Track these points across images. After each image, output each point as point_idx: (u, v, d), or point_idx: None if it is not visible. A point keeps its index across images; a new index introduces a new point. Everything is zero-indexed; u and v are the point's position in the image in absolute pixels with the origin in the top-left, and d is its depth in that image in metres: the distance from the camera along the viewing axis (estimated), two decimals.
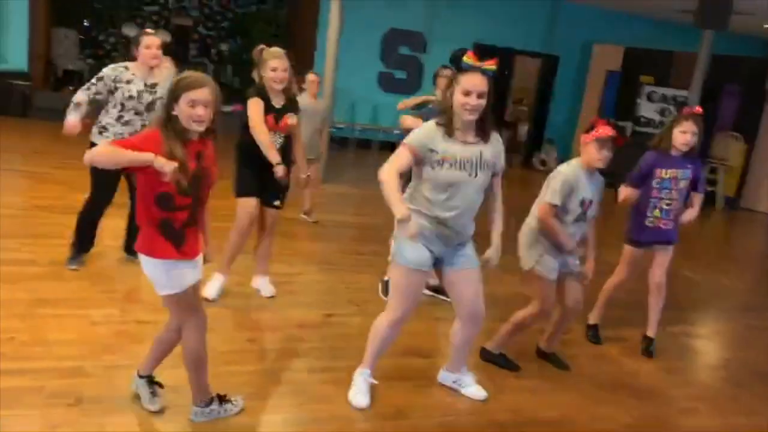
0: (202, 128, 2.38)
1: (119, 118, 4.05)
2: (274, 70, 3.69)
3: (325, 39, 7.98)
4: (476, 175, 2.81)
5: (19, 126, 8.91)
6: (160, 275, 2.47)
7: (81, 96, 3.99)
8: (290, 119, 3.79)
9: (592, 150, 3.21)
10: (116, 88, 4.01)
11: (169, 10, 13.79)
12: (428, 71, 11.52)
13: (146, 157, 2.26)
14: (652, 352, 4.05)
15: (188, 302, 2.55)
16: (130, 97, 4.01)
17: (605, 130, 3.18)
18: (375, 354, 3.05)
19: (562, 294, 3.47)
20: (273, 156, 3.70)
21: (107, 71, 4.05)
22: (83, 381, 2.89)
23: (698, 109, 3.79)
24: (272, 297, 4.12)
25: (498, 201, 3.02)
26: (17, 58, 9.69)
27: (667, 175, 3.78)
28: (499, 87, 12.42)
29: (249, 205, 3.86)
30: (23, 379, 2.84)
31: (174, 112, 2.35)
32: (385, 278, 4.45)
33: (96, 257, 4.36)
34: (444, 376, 3.29)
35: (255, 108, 3.71)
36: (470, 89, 2.67)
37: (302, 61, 9.85)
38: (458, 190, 2.80)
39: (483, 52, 2.73)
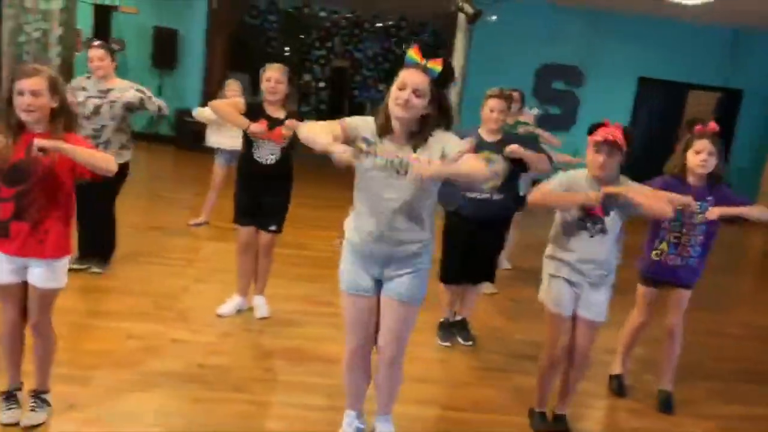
0: (30, 118, 2.39)
1: None
2: (268, 80, 3.77)
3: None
4: (405, 173, 2.38)
5: (185, 157, 9.86)
6: None
7: None
8: (284, 129, 3.73)
9: (588, 154, 2.77)
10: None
11: (335, 54, 14.58)
12: (585, 106, 10.85)
13: None
14: (669, 406, 3.40)
15: None
16: (78, 104, 4.20)
17: (602, 133, 2.70)
18: (350, 394, 2.78)
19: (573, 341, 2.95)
20: (239, 121, 3.70)
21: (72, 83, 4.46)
22: (79, 391, 2.96)
23: (712, 125, 3.16)
24: (264, 318, 4.04)
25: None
26: (191, 98, 10.76)
27: (679, 206, 3.15)
28: (670, 125, 11.54)
29: (241, 232, 3.99)
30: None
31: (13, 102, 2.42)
32: (441, 319, 4.13)
33: (165, 275, 4.58)
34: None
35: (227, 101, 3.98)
36: (407, 83, 2.34)
37: None
38: (383, 189, 2.42)
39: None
